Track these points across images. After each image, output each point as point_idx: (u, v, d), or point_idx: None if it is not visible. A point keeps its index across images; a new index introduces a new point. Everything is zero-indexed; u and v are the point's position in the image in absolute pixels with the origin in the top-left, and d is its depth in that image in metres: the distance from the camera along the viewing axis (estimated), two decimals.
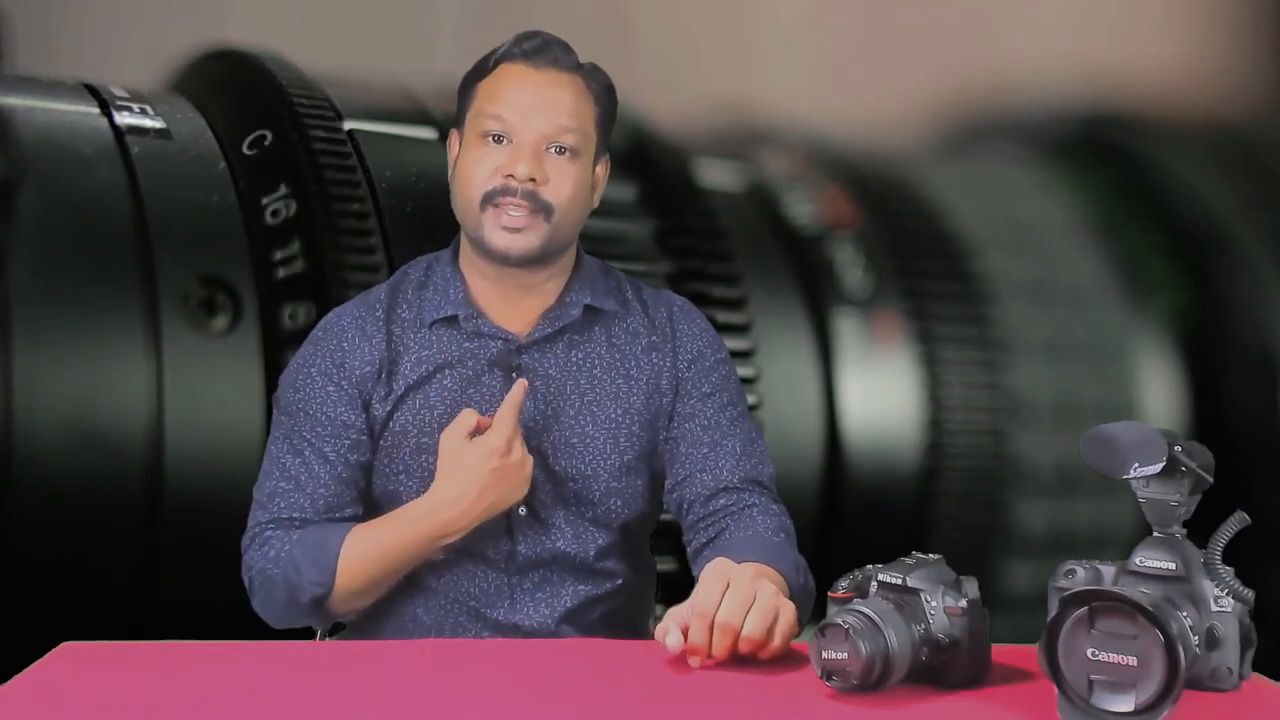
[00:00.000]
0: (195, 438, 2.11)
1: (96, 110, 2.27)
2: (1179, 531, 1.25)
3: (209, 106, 2.40)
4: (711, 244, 2.57)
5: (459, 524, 1.55)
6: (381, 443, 1.62)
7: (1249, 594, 1.22)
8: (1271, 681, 1.29)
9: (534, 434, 1.60)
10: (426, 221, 2.24)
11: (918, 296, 2.73)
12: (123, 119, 2.26)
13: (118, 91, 2.34)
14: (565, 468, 1.62)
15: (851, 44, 3.32)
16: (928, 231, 2.82)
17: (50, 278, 2.07)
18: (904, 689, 1.24)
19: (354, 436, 1.61)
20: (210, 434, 2.11)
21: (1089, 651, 1.14)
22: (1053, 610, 1.17)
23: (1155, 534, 1.25)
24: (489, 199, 1.58)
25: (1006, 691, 1.26)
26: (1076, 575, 1.26)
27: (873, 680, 1.22)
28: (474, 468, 1.54)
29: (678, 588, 1.53)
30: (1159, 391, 2.91)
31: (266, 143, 2.29)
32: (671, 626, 1.32)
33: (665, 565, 1.85)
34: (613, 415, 1.64)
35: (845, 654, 1.21)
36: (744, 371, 2.37)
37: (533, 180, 1.57)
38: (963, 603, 1.26)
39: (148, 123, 2.28)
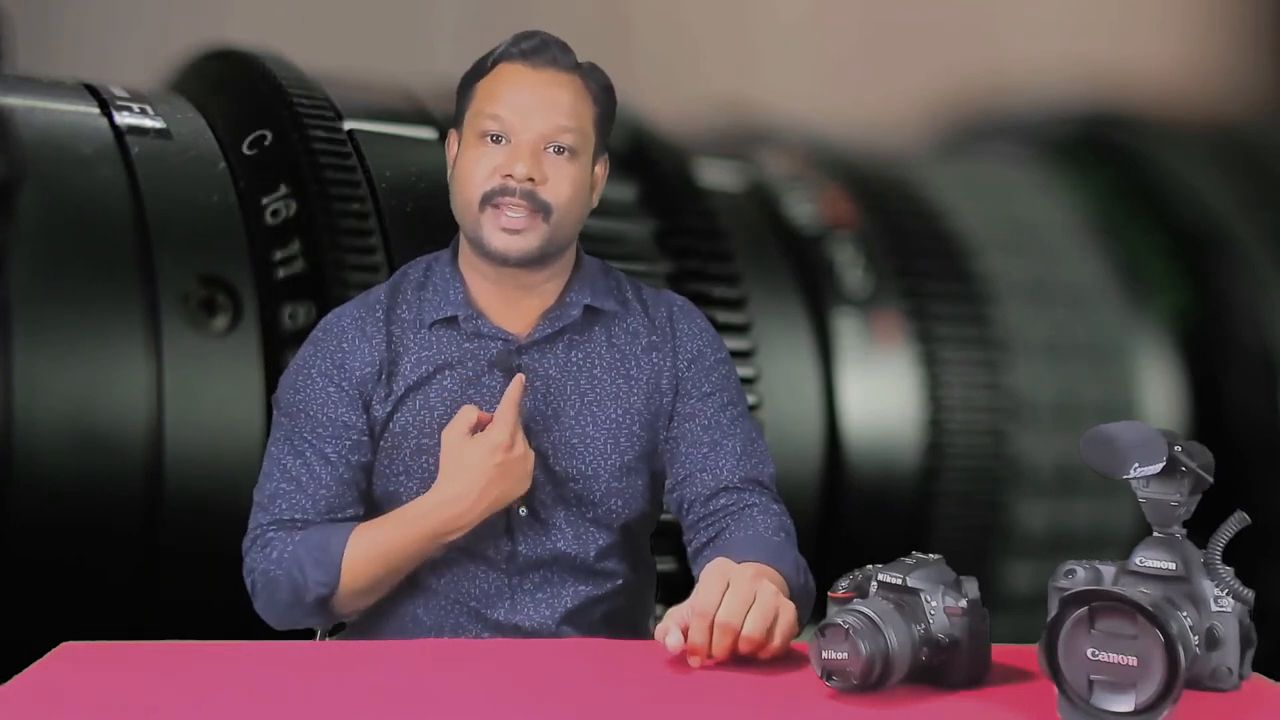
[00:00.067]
0: (195, 438, 2.11)
1: (96, 110, 2.27)
2: (1179, 531, 1.25)
3: (209, 106, 2.40)
4: (711, 244, 2.57)
5: (463, 520, 1.55)
6: (381, 444, 1.62)
7: (1249, 594, 1.22)
8: (1271, 681, 1.29)
9: (534, 434, 1.60)
10: (426, 221, 2.24)
11: (918, 296, 2.73)
12: (123, 119, 2.26)
13: (118, 91, 2.34)
14: (566, 468, 1.62)
15: (851, 44, 3.32)
16: (928, 231, 2.82)
17: (50, 278, 2.07)
18: (904, 689, 1.24)
19: (355, 437, 1.61)
20: (210, 434, 2.11)
21: (1089, 651, 1.14)
22: (1053, 610, 1.17)
23: (1155, 534, 1.25)
24: (488, 199, 1.58)
25: (1006, 691, 1.26)
26: (1076, 575, 1.26)
27: (873, 680, 1.22)
28: (477, 463, 1.54)
29: (678, 588, 1.53)
30: (1159, 391, 2.91)
31: (266, 143, 2.29)
32: (671, 626, 1.32)
33: (665, 565, 1.85)
34: (613, 415, 1.64)
35: (845, 654, 1.21)
36: (744, 371, 2.37)
37: (531, 180, 1.57)
38: (963, 603, 1.26)
39: (148, 123, 2.28)
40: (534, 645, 1.49)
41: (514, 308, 1.64)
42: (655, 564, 1.77)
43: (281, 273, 2.20)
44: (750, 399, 2.36)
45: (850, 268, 2.70)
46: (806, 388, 2.59)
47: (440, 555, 1.60)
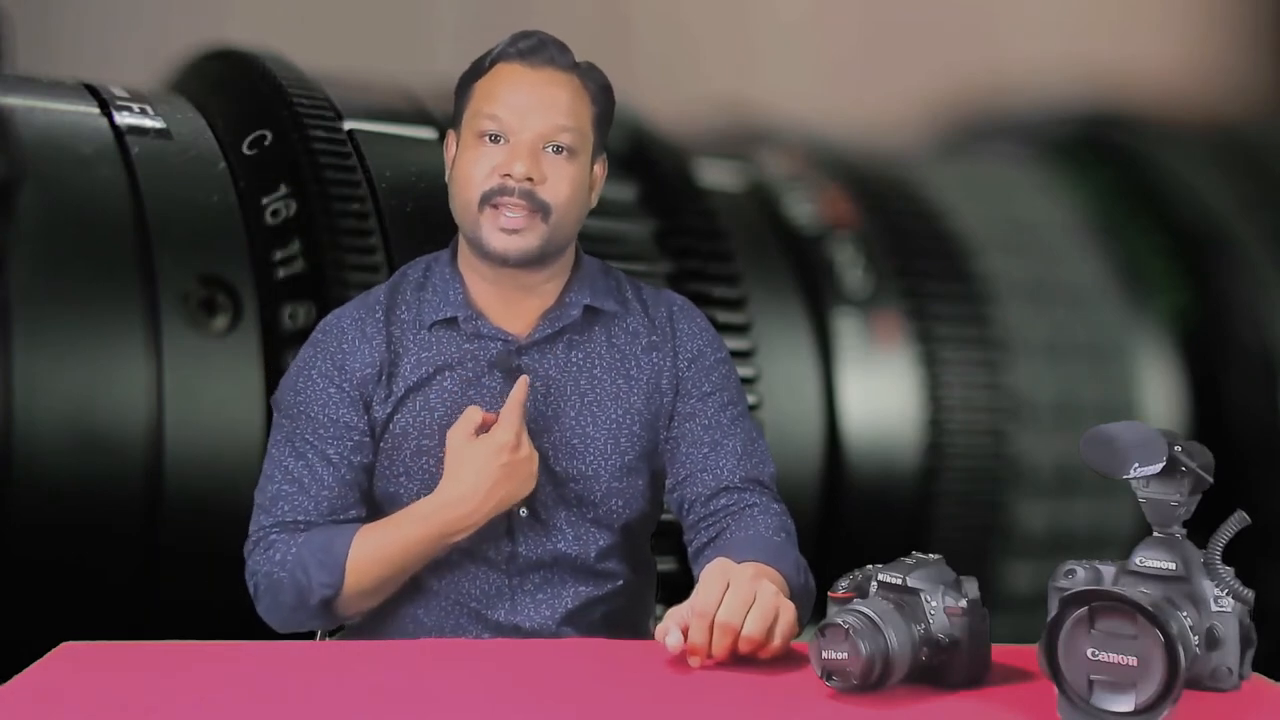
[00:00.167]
0: (195, 438, 2.10)
1: (96, 110, 2.27)
2: (1179, 531, 1.25)
3: (209, 106, 2.40)
4: (711, 244, 2.57)
5: (468, 521, 1.55)
6: (382, 445, 1.62)
7: (1249, 594, 1.22)
8: (1271, 681, 1.29)
9: (535, 435, 1.60)
10: (426, 221, 2.24)
11: (918, 296, 2.73)
12: (123, 119, 2.26)
13: (118, 91, 2.34)
14: (566, 469, 1.62)
15: (851, 44, 3.32)
16: (928, 231, 2.82)
17: (50, 278, 2.07)
18: (904, 689, 1.24)
19: (356, 438, 1.61)
20: (210, 434, 2.11)
21: (1089, 651, 1.14)
22: (1053, 610, 1.17)
23: (1155, 534, 1.25)
24: (487, 199, 1.58)
25: (1006, 691, 1.26)
26: (1076, 575, 1.26)
27: (873, 680, 1.22)
28: (483, 464, 1.54)
29: (678, 588, 1.53)
30: (1159, 391, 2.91)
31: (266, 143, 2.29)
32: (671, 626, 1.32)
33: (665, 565, 1.85)
34: (613, 415, 1.64)
35: (845, 654, 1.21)
36: (744, 371, 2.37)
37: (530, 180, 1.57)
38: (963, 603, 1.26)
39: (148, 123, 2.28)
40: (534, 645, 1.49)
41: (514, 308, 1.64)
42: (656, 564, 1.77)
43: (281, 273, 2.20)
44: (750, 399, 2.36)
45: (850, 268, 2.70)
46: (806, 388, 2.59)
47: (441, 556, 1.60)
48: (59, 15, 2.83)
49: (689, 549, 1.65)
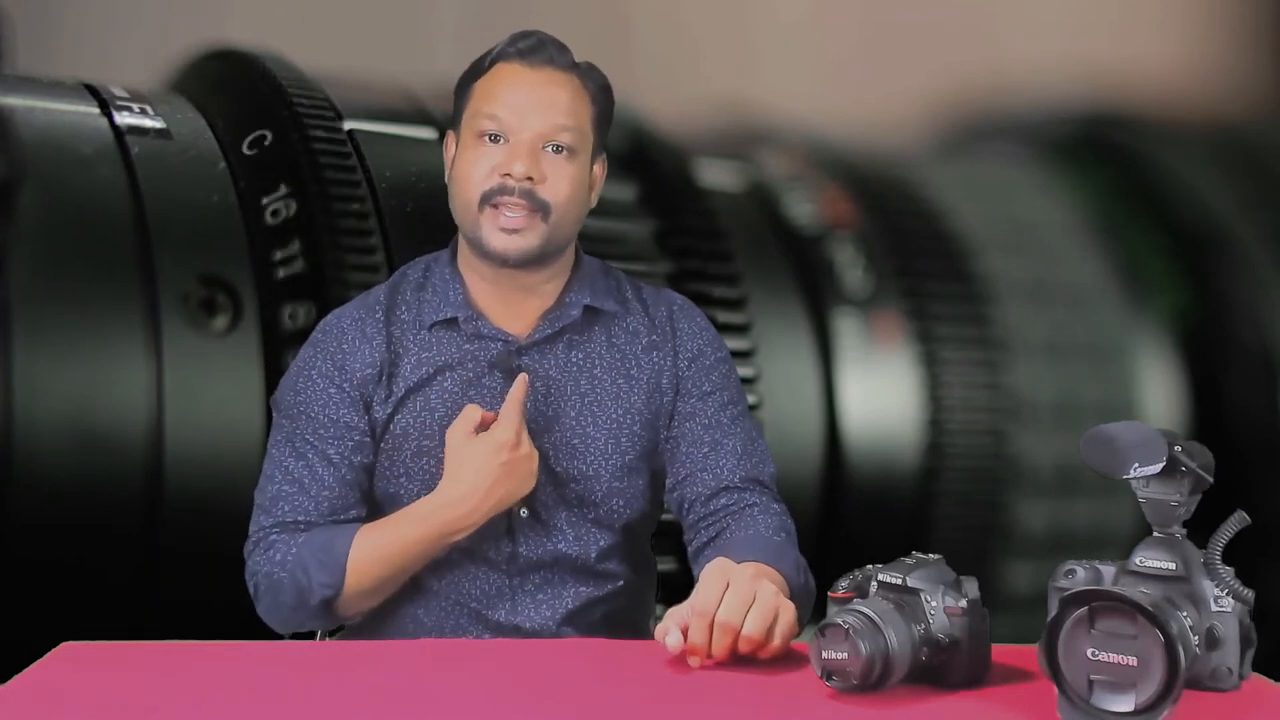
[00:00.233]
0: (195, 438, 2.10)
1: (96, 110, 2.27)
2: (1179, 531, 1.25)
3: (209, 106, 2.39)
4: (711, 244, 2.57)
5: (469, 520, 1.55)
6: (382, 445, 1.62)
7: (1249, 594, 1.22)
8: (1271, 681, 1.29)
9: (535, 435, 1.59)
10: (426, 221, 2.24)
11: (918, 296, 2.73)
12: (123, 119, 2.26)
13: (118, 91, 2.34)
14: (567, 469, 1.62)
15: (851, 44, 3.32)
16: (928, 231, 2.82)
17: (50, 278, 2.07)
18: (904, 689, 1.24)
19: (357, 438, 1.61)
20: (210, 434, 2.11)
21: (1089, 651, 1.14)
22: (1053, 610, 1.17)
23: (1155, 534, 1.25)
24: (487, 199, 1.58)
25: (1006, 691, 1.26)
26: (1076, 575, 1.26)
27: (873, 680, 1.22)
28: (483, 463, 1.54)
29: (678, 588, 1.53)
30: (1159, 391, 2.91)
31: (266, 143, 2.29)
32: (671, 626, 1.32)
33: (665, 565, 1.85)
34: (614, 415, 1.64)
35: (845, 654, 1.21)
36: (744, 371, 2.37)
37: (530, 179, 1.57)
38: (963, 603, 1.26)
39: (148, 123, 2.28)
40: (534, 645, 1.49)
41: (513, 309, 1.64)
42: (656, 564, 1.77)
43: (281, 273, 2.20)
44: (750, 399, 2.36)
45: (850, 268, 2.70)
46: (806, 388, 2.59)
47: (441, 556, 1.60)
48: (59, 15, 2.83)
49: (689, 549, 1.65)
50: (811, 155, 2.86)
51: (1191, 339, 2.94)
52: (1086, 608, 1.15)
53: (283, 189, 2.25)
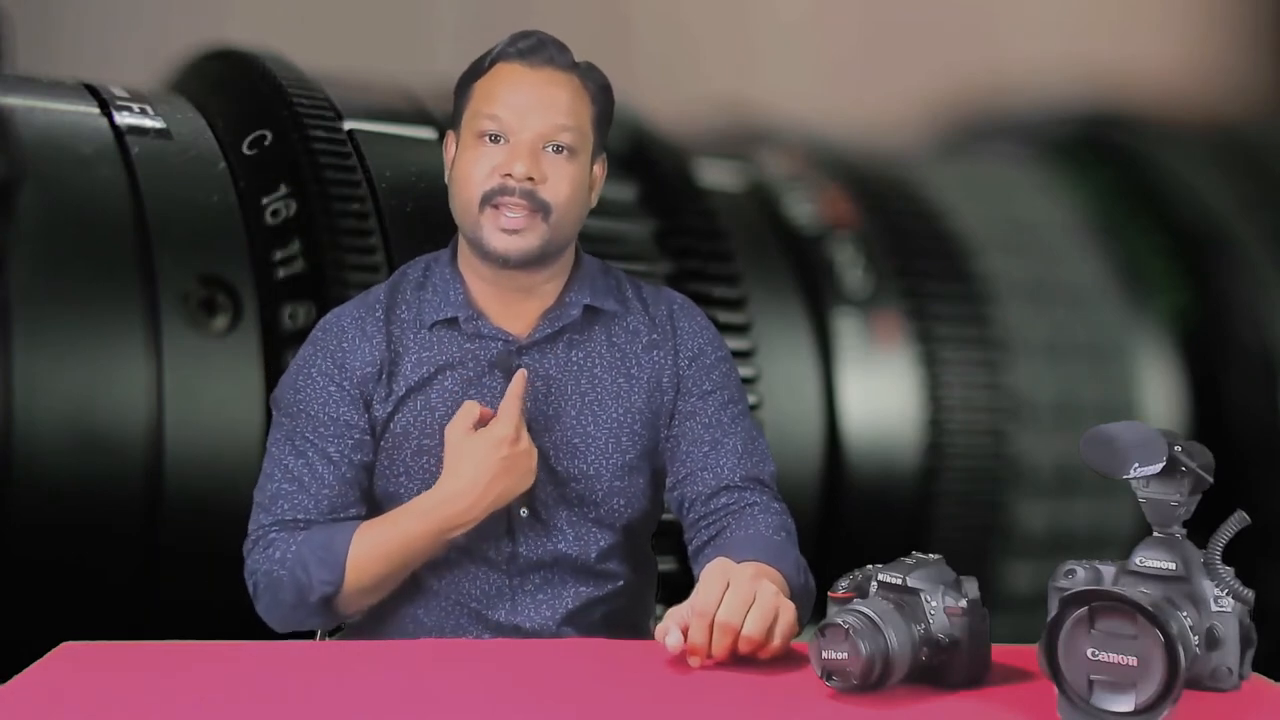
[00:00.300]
0: (195, 438, 2.10)
1: (96, 110, 2.27)
2: (1179, 531, 1.25)
3: (209, 106, 2.40)
4: (711, 244, 2.57)
5: (468, 516, 1.55)
6: (382, 444, 1.62)
7: (1249, 594, 1.22)
8: (1271, 681, 1.29)
9: (535, 435, 1.59)
10: (426, 221, 2.24)
11: (918, 296, 2.73)
12: (123, 119, 2.26)
13: (118, 91, 2.34)
14: (568, 468, 1.62)
15: (851, 44, 3.32)
16: (928, 231, 2.82)
17: (50, 278, 2.07)
18: (904, 689, 1.24)
19: (357, 436, 1.61)
20: (210, 434, 2.11)
21: (1089, 651, 1.14)
22: (1053, 610, 1.17)
23: (1155, 534, 1.25)
24: (488, 199, 1.58)
25: (1006, 691, 1.26)
26: (1076, 575, 1.26)
27: (873, 680, 1.22)
28: (482, 458, 1.53)
29: (678, 588, 1.53)
30: (1159, 391, 2.91)
31: (266, 143, 2.29)
32: (671, 626, 1.32)
33: (665, 565, 1.85)
34: (614, 414, 1.64)
35: (845, 654, 1.21)
36: (744, 371, 2.36)
37: (530, 179, 1.57)
38: (963, 603, 1.26)
39: (148, 123, 2.28)
40: (534, 645, 1.49)
41: (514, 309, 1.64)
42: (657, 564, 1.76)
43: (281, 273, 2.20)
44: (750, 399, 2.36)
45: (850, 268, 2.70)
46: (806, 388, 2.59)
47: (441, 556, 1.60)
48: (59, 15, 2.83)
49: (689, 548, 1.65)
50: (811, 155, 2.86)
51: (1191, 339, 2.94)
52: (1086, 608, 1.15)
53: (283, 189, 2.25)
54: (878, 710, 1.21)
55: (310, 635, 1.65)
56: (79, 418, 2.05)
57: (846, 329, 2.65)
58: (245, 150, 2.30)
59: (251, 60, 2.43)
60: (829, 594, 1.30)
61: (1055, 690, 1.16)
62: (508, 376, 1.60)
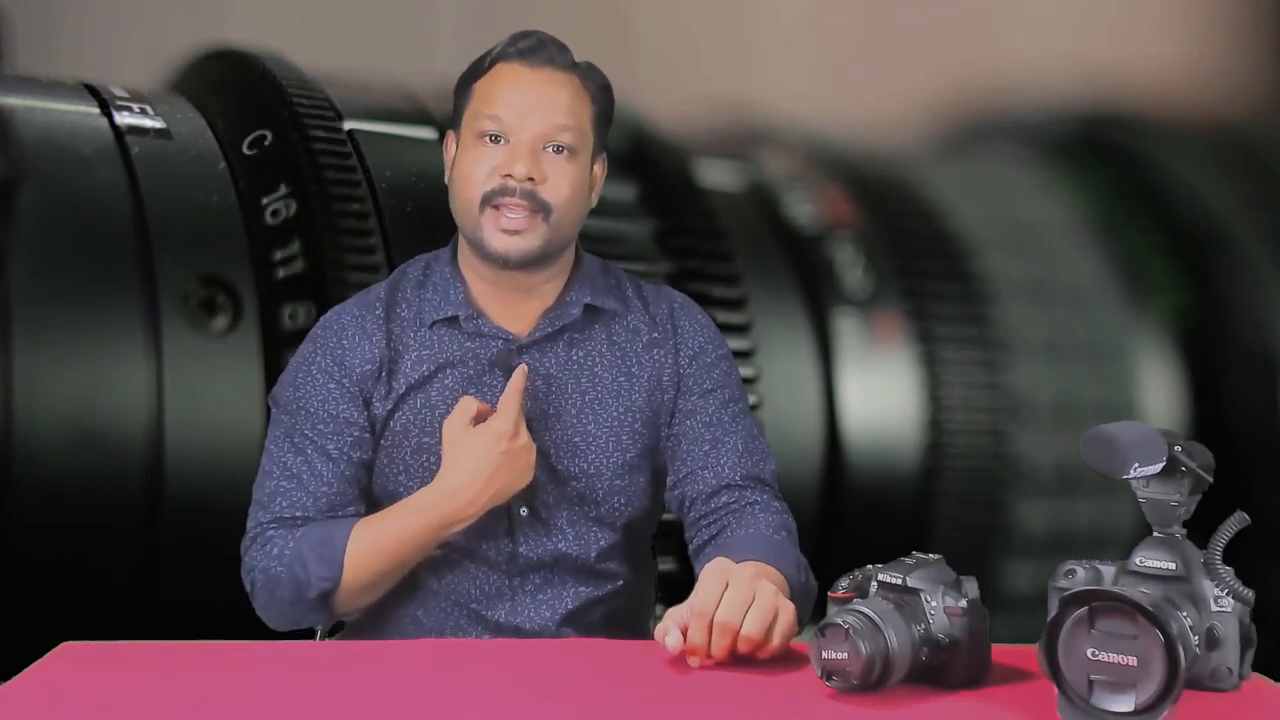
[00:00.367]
0: (195, 438, 2.11)
1: (96, 110, 2.27)
2: (1179, 531, 1.25)
3: (209, 106, 2.40)
4: (711, 244, 2.57)
5: (467, 511, 1.55)
6: (382, 442, 1.62)
7: (1249, 594, 1.22)
8: (1271, 681, 1.29)
9: (536, 433, 1.59)
10: (426, 221, 2.24)
11: (918, 296, 2.73)
12: (123, 119, 2.26)
13: (118, 91, 2.34)
14: (568, 467, 1.62)
15: (851, 44, 3.32)
16: (928, 231, 2.82)
17: (50, 278, 2.07)
18: (904, 689, 1.24)
19: (356, 433, 1.61)
20: (210, 434, 2.11)
21: (1089, 651, 1.14)
22: (1053, 610, 1.17)
23: (1155, 534, 1.25)
24: (488, 200, 1.58)
25: (1006, 691, 1.26)
26: (1076, 575, 1.26)
27: (873, 680, 1.22)
28: (481, 453, 1.53)
29: (678, 588, 1.53)
30: (1159, 391, 2.91)
31: (266, 143, 2.29)
32: (671, 626, 1.32)
33: (665, 565, 1.85)
34: (615, 413, 1.64)
35: (845, 654, 1.21)
36: (744, 371, 2.36)
37: (531, 180, 1.57)
38: (963, 603, 1.26)
39: (148, 123, 2.28)
40: (534, 645, 1.49)
41: (514, 308, 1.64)
42: (657, 563, 1.76)
43: (281, 273, 2.20)
44: (750, 399, 2.36)
45: (850, 268, 2.70)
46: (806, 388, 2.59)
47: (441, 556, 1.60)
48: (59, 15, 2.83)
49: (690, 547, 1.65)
50: (811, 155, 2.86)
51: (1191, 339, 2.94)
52: (1086, 608, 1.15)
53: (283, 189, 2.25)
54: (878, 710, 1.21)
55: (310, 635, 1.65)
56: (79, 418, 2.05)
57: (846, 329, 2.65)
58: (245, 150, 2.30)
59: (251, 60, 2.43)
60: (829, 594, 1.30)
61: (1055, 690, 1.16)
62: (508, 375, 1.60)
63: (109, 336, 2.08)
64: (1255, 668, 1.27)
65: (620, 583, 1.65)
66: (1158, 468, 1.21)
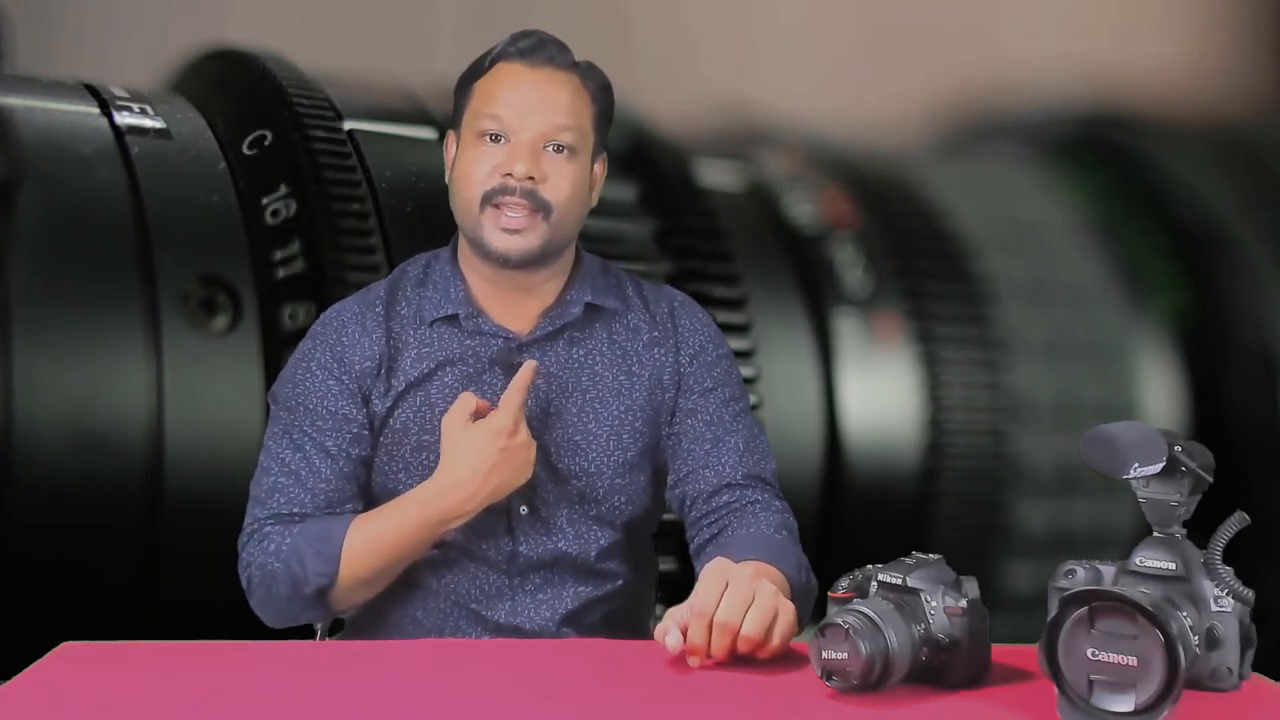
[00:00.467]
0: (195, 438, 2.11)
1: (96, 110, 2.27)
2: (1179, 531, 1.25)
3: (209, 106, 2.40)
4: (711, 244, 2.57)
5: (466, 507, 1.54)
6: (382, 440, 1.62)
7: (1249, 594, 1.22)
8: (1271, 681, 1.29)
9: (536, 432, 1.59)
10: (426, 221, 2.24)
11: (918, 296, 2.73)
12: (123, 119, 2.26)
13: (118, 91, 2.34)
14: (569, 465, 1.62)
15: (851, 44, 3.32)
16: (928, 231, 2.82)
17: (50, 278, 2.07)
18: (904, 689, 1.24)
19: (355, 430, 1.61)
20: (210, 434, 2.11)
21: (1089, 651, 1.14)
22: (1053, 610, 1.17)
23: (1155, 534, 1.25)
24: (488, 199, 1.58)
25: (1006, 691, 1.26)
26: (1076, 575, 1.26)
27: (873, 680, 1.22)
28: (481, 449, 1.53)
29: (678, 588, 1.53)
30: (1159, 391, 2.91)
31: (266, 143, 2.29)
32: (671, 626, 1.32)
33: (666, 565, 1.85)
34: (615, 412, 1.64)
35: (845, 654, 1.21)
36: (744, 371, 2.36)
37: (531, 179, 1.57)
38: (963, 603, 1.26)
39: (148, 123, 2.28)
40: (534, 645, 1.49)
41: (514, 307, 1.64)
42: (657, 563, 1.76)
43: (281, 273, 2.20)
44: (750, 399, 2.36)
45: (850, 268, 2.70)
46: (806, 388, 2.59)
47: (440, 556, 1.60)
48: (59, 15, 2.83)
49: (690, 546, 1.65)
50: (811, 155, 2.86)
51: (1191, 339, 2.94)
52: (1086, 608, 1.15)
53: (283, 189, 2.25)
54: (878, 710, 1.21)
55: (310, 634, 1.65)
56: (79, 418, 2.05)
57: (846, 329, 2.65)
58: (245, 150, 2.30)
59: (251, 60, 2.43)
60: (829, 594, 1.30)
61: (1055, 690, 1.16)
62: (508, 373, 1.60)
63: (109, 336, 2.08)
64: (1255, 668, 1.27)
65: (620, 582, 1.65)
66: (1158, 468, 1.21)
